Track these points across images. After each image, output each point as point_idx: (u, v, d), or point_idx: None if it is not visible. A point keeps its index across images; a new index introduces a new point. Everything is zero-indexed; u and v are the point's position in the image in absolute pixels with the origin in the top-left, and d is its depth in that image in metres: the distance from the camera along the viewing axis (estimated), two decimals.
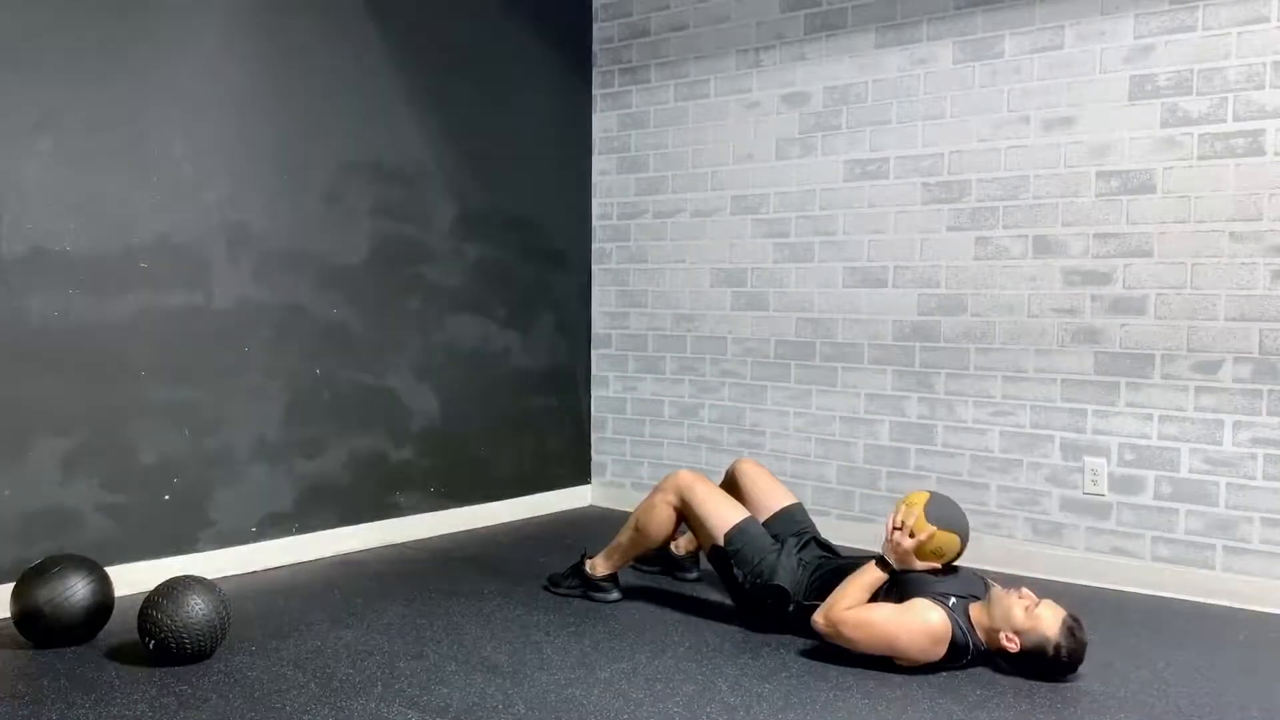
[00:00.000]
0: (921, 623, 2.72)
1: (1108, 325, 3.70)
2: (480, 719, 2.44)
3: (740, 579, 3.12)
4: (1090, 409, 3.74)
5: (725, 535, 3.14)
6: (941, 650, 2.73)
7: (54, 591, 2.83)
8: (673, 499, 3.24)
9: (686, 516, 3.25)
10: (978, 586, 2.91)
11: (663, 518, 3.27)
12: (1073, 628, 2.72)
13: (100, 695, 2.55)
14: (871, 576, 2.89)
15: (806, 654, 2.92)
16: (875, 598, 2.88)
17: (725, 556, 3.14)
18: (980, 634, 2.79)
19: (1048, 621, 2.71)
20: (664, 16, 4.78)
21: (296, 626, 3.10)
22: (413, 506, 4.30)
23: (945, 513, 2.92)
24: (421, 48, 4.24)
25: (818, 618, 2.85)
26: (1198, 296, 3.54)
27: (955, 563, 2.98)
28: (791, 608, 3.04)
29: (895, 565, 2.90)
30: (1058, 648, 2.69)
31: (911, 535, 2.87)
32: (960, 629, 2.75)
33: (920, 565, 2.89)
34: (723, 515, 3.18)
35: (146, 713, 2.44)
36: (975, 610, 2.82)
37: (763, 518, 3.30)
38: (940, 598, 2.78)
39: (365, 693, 2.59)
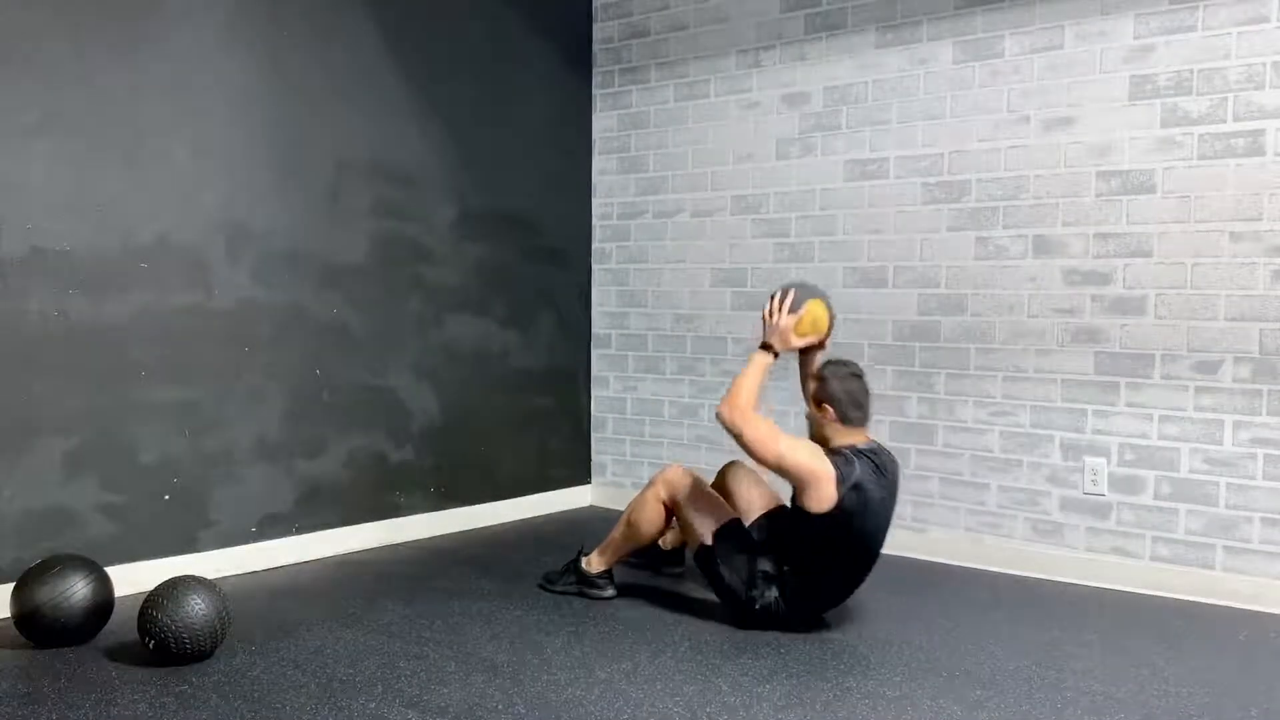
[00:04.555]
0: (811, 451, 2.98)
1: (1108, 325, 3.70)
2: (480, 719, 2.44)
3: (736, 587, 3.12)
4: (1090, 409, 3.74)
5: (713, 534, 3.16)
6: (829, 487, 2.91)
7: (54, 591, 2.83)
8: (663, 494, 3.27)
9: (676, 513, 3.27)
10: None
11: (654, 514, 3.29)
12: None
13: (100, 695, 2.55)
14: (762, 361, 3.13)
15: (807, 654, 2.92)
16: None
17: (713, 557, 3.15)
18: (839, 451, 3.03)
19: (813, 374, 3.14)
20: (664, 16, 4.77)
21: (296, 626, 3.10)
22: (413, 506, 4.30)
23: (807, 288, 3.22)
24: (421, 47, 4.24)
25: (721, 408, 3.06)
26: (1198, 296, 3.54)
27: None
28: (774, 606, 3.08)
29: (778, 346, 3.15)
30: (820, 372, 3.09)
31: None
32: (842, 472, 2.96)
33: (800, 341, 3.17)
34: (710, 516, 3.20)
35: (146, 713, 2.44)
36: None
37: (750, 520, 3.31)
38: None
39: (365, 693, 2.59)
